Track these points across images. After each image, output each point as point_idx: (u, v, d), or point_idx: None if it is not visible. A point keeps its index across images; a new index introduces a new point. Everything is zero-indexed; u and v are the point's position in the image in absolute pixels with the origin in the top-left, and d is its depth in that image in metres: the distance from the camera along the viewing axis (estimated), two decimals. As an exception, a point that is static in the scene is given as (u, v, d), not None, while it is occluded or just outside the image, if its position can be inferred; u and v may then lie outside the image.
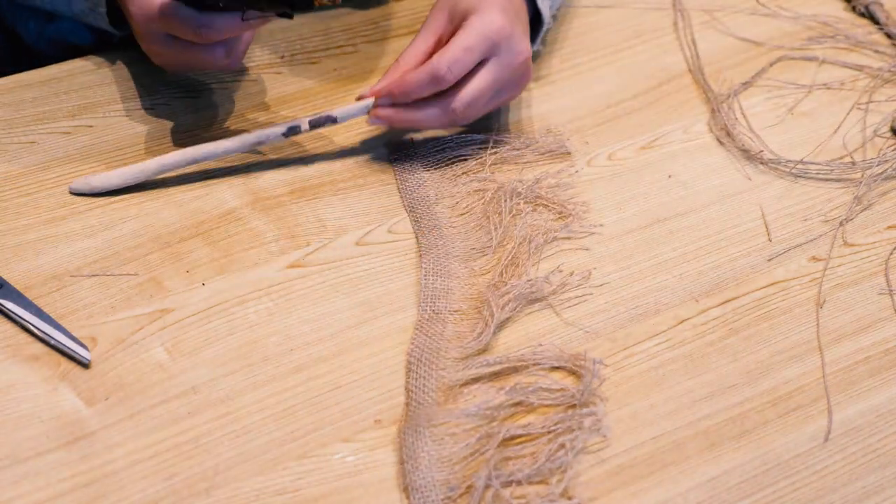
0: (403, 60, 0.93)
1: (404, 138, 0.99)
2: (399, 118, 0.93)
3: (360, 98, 0.94)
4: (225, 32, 0.88)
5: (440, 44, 0.94)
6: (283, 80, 1.03)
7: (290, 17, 0.85)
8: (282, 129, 0.93)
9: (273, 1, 0.84)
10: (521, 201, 0.94)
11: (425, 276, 0.88)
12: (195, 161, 0.92)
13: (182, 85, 1.01)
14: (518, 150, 0.99)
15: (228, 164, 0.95)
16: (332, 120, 0.94)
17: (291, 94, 1.02)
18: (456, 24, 0.93)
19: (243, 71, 1.03)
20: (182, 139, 0.97)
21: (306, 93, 1.02)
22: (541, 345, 0.85)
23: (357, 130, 1.00)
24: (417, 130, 0.99)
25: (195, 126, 0.98)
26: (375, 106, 0.93)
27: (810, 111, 1.07)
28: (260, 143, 0.93)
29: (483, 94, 0.92)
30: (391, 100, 0.92)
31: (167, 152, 0.96)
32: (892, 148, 1.03)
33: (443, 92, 0.92)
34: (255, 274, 0.88)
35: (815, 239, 0.95)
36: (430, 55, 0.93)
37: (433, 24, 0.95)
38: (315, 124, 0.94)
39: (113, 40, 1.03)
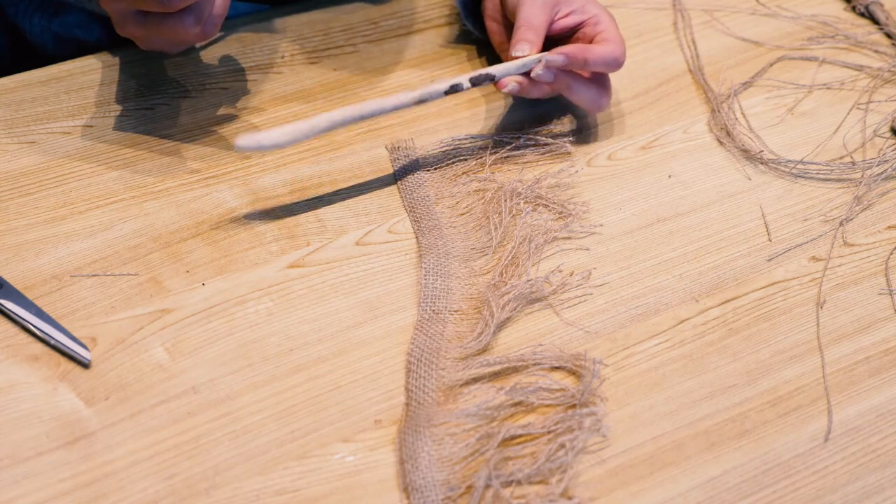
0: (537, 26, 0.97)
1: (404, 138, 0.99)
2: (557, 86, 0.97)
3: (512, 57, 0.96)
4: None
5: (554, 18, 0.99)
6: (283, 80, 1.03)
7: None
8: (444, 86, 0.94)
9: None
10: (521, 201, 0.94)
11: (425, 276, 0.88)
12: (362, 117, 0.92)
13: (182, 85, 1.01)
14: (518, 150, 0.99)
15: (228, 164, 0.95)
16: (491, 78, 0.95)
17: (291, 94, 1.02)
18: (571, 15, 0.99)
19: (243, 71, 1.03)
20: (182, 139, 0.97)
21: (306, 93, 1.02)
22: (541, 345, 0.85)
23: (357, 130, 1.00)
24: (542, 99, 1.01)
25: (195, 126, 0.98)
26: (545, 64, 0.95)
27: (810, 111, 1.07)
28: (423, 100, 0.93)
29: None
30: (567, 62, 0.96)
31: (168, 152, 0.96)
32: (892, 148, 1.03)
33: (598, 81, 0.99)
34: (255, 274, 0.88)
35: (815, 239, 0.95)
36: (548, 25, 0.98)
37: (548, 1, 0.98)
38: (475, 82, 0.95)
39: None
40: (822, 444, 0.82)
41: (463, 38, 1.10)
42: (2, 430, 0.77)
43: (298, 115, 1.00)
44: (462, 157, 0.98)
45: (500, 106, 1.04)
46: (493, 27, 1.04)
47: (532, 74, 0.96)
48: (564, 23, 0.99)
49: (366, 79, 1.04)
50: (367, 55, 1.07)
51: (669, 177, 0.99)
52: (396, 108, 0.93)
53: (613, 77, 1.08)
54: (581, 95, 0.99)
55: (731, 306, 0.89)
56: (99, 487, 0.75)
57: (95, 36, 1.07)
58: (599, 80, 0.99)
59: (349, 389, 0.82)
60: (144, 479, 0.75)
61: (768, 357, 0.86)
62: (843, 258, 0.94)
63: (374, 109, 0.92)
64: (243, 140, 0.88)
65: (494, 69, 0.95)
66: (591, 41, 0.98)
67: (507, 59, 0.98)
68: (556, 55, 0.96)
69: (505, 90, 0.96)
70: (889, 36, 1.15)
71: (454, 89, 0.94)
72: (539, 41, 0.96)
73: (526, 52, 0.96)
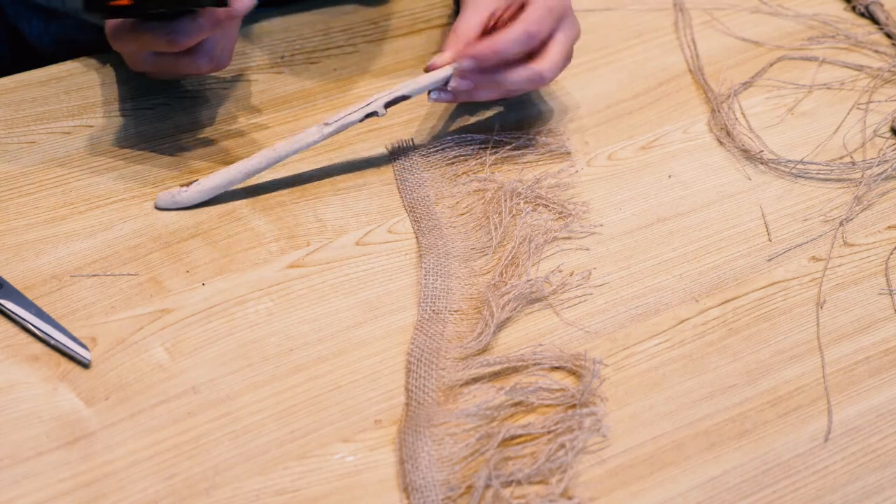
0: (462, 32, 0.94)
1: (404, 138, 0.99)
2: (485, 84, 0.94)
3: (428, 69, 0.94)
4: (194, 35, 0.88)
5: (493, 18, 0.95)
6: (283, 80, 1.03)
7: (224, 4, 0.86)
8: (359, 115, 0.93)
9: None
10: (521, 201, 0.94)
11: (425, 276, 0.88)
12: (278, 161, 0.92)
13: (182, 85, 1.01)
14: (518, 150, 0.99)
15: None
16: (406, 97, 0.94)
17: (291, 94, 1.02)
18: (514, 6, 0.95)
19: (243, 71, 1.03)
20: (182, 139, 0.97)
21: (306, 93, 1.02)
22: (541, 345, 0.85)
23: (357, 130, 1.00)
24: (477, 102, 1.00)
25: (195, 126, 0.98)
26: (456, 73, 0.93)
27: (810, 111, 1.07)
28: (338, 132, 0.93)
29: (564, 57, 0.96)
30: (477, 63, 0.93)
31: (168, 152, 0.96)
32: (892, 148, 1.03)
33: (528, 57, 0.94)
34: (255, 274, 0.88)
35: (815, 239, 0.95)
36: (485, 29, 0.95)
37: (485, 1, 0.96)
38: (390, 105, 0.94)
39: None
40: (822, 444, 0.82)
41: None
42: (2, 430, 0.77)
43: (298, 115, 1.00)
44: (462, 157, 0.98)
45: (500, 106, 1.04)
46: None
47: (449, 87, 0.93)
48: (508, 15, 0.96)
49: (366, 79, 1.04)
50: (367, 55, 1.07)
51: (669, 177, 0.99)
52: (311, 146, 0.92)
53: (613, 77, 1.08)
54: (515, 83, 0.95)
55: (731, 306, 0.89)
56: (99, 487, 0.75)
57: (94, 37, 1.07)
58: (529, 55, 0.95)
59: (349, 389, 0.82)
60: (144, 479, 0.75)
61: (768, 357, 0.86)
62: (843, 258, 0.94)
63: (289, 151, 0.92)
64: (161, 199, 0.91)
65: (408, 88, 0.93)
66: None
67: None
68: (465, 59, 0.92)
69: (431, 100, 0.94)
70: (889, 36, 1.15)
71: (368, 117, 0.93)
72: (461, 48, 0.93)
73: (438, 63, 0.94)
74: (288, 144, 0.92)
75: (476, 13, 0.95)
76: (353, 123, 0.93)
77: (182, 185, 0.91)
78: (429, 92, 0.94)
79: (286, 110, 1.01)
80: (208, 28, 0.88)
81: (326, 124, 0.92)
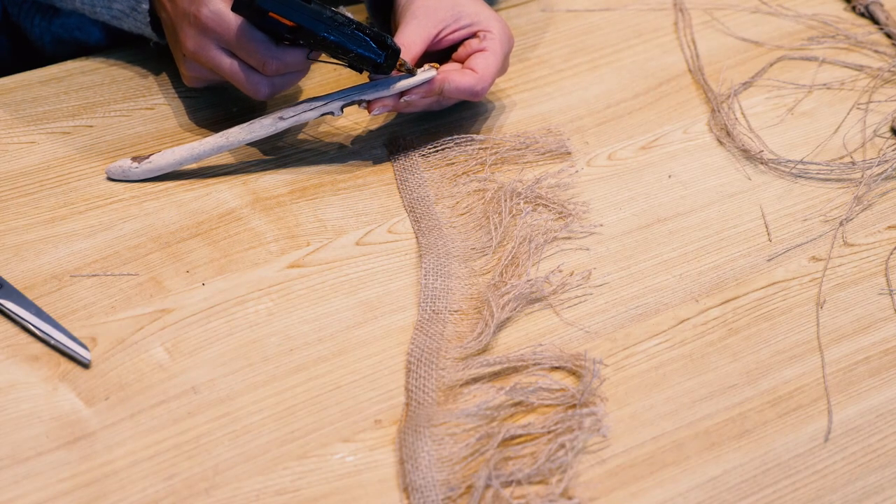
0: (406, 45, 0.94)
1: (404, 138, 0.99)
2: (422, 104, 0.95)
3: (372, 79, 0.94)
4: (288, 68, 0.90)
5: (438, 37, 0.96)
6: (283, 80, 1.03)
7: (358, 70, 0.91)
8: (315, 113, 0.93)
9: (354, 57, 0.89)
10: (521, 201, 0.94)
11: (425, 276, 0.88)
12: (228, 148, 0.93)
13: (182, 85, 1.01)
14: (518, 150, 0.99)
15: (228, 164, 0.96)
16: (364, 102, 0.93)
17: (291, 94, 1.02)
18: (463, 29, 0.96)
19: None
20: (182, 139, 0.97)
21: (306, 93, 1.02)
22: (541, 345, 0.85)
23: (357, 130, 1.00)
24: (476, 104, 1.01)
25: (195, 126, 0.98)
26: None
27: (810, 111, 1.07)
28: (292, 126, 0.94)
29: (498, 72, 0.98)
30: (422, 95, 0.94)
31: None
32: (892, 148, 1.03)
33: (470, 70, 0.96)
34: (255, 274, 0.88)
35: (815, 239, 0.95)
36: (428, 46, 0.95)
37: (437, 15, 0.96)
38: (346, 106, 0.93)
39: (136, 41, 1.03)
40: (822, 444, 0.82)
41: None
42: (2, 430, 0.77)
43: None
44: (462, 157, 0.98)
45: (500, 106, 1.04)
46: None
47: (402, 101, 0.93)
48: (455, 36, 0.97)
49: (365, 79, 1.04)
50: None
51: (669, 177, 0.99)
52: (263, 137, 0.93)
53: (613, 77, 1.08)
54: (455, 92, 0.96)
55: (731, 306, 0.89)
56: (99, 487, 0.75)
57: (95, 38, 1.07)
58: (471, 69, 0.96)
59: (349, 389, 0.82)
60: (144, 479, 0.75)
61: (768, 357, 0.86)
62: (843, 258, 0.94)
63: (241, 139, 0.92)
64: (111, 169, 0.93)
65: (365, 94, 0.93)
66: (468, 58, 0.96)
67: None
68: (413, 93, 0.93)
69: (373, 114, 0.94)
70: (889, 36, 1.15)
71: (324, 115, 0.93)
72: (411, 62, 0.94)
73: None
74: (241, 133, 0.92)
75: (421, 28, 0.95)
76: (309, 120, 0.93)
77: (133, 159, 0.92)
78: (368, 107, 0.93)
79: (286, 110, 1.01)
80: (304, 70, 0.92)
81: (282, 119, 0.92)
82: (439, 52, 0.98)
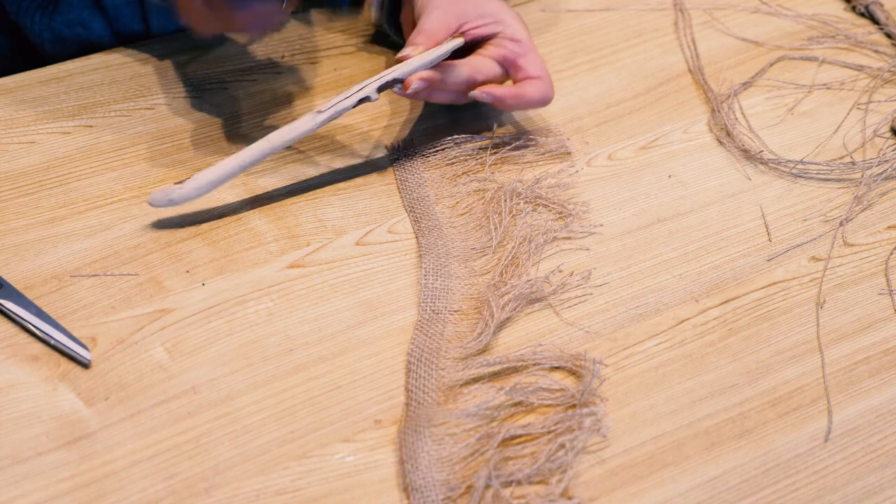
0: (430, 31, 0.94)
1: (404, 138, 0.99)
2: (454, 83, 0.95)
3: (399, 60, 0.93)
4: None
5: (461, 27, 0.96)
6: (283, 80, 1.03)
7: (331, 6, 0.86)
8: (353, 101, 0.91)
9: None
10: (521, 201, 0.94)
11: (425, 276, 0.88)
12: (273, 152, 0.90)
13: (182, 85, 1.01)
14: (518, 150, 0.99)
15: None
16: (398, 81, 0.92)
17: (291, 94, 1.02)
18: (485, 25, 0.97)
19: (243, 71, 1.03)
20: (182, 139, 0.97)
21: (306, 93, 1.02)
22: (541, 345, 0.85)
23: (357, 130, 1.00)
24: (474, 104, 1.00)
25: (195, 126, 0.98)
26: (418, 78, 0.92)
27: (810, 111, 1.07)
28: (332, 119, 0.91)
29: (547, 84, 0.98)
30: (493, 99, 0.95)
31: (168, 152, 0.96)
32: (892, 148, 1.03)
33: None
34: (255, 274, 0.88)
35: (815, 239, 0.95)
36: (450, 34, 0.95)
37: (459, 8, 0.96)
38: (382, 89, 0.92)
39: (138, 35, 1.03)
40: (822, 444, 0.82)
41: None
42: (2, 430, 0.77)
43: (298, 115, 1.00)
44: (462, 157, 0.98)
45: (500, 106, 1.04)
46: (409, 31, 1.01)
47: (437, 75, 0.92)
48: (477, 32, 0.97)
49: (365, 78, 1.04)
50: (367, 55, 1.07)
51: (669, 177, 0.99)
52: (305, 134, 0.91)
53: (613, 77, 1.08)
54: (531, 104, 0.97)
55: (731, 306, 0.89)
56: (99, 487, 0.75)
57: (97, 34, 1.07)
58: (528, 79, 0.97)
59: (349, 389, 0.82)
60: (144, 479, 0.75)
61: (768, 357, 0.86)
62: (843, 258, 0.94)
63: (284, 140, 0.90)
64: (154, 196, 0.88)
65: (399, 71, 0.92)
66: (512, 65, 0.96)
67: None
68: (487, 94, 0.94)
69: (410, 91, 0.92)
70: (889, 36, 1.15)
71: (361, 102, 0.92)
72: (431, 45, 0.94)
73: (411, 54, 0.93)
74: (282, 134, 0.90)
75: (444, 18, 0.96)
76: (346, 109, 0.92)
77: (177, 183, 0.89)
78: (404, 84, 0.92)
79: (286, 110, 1.01)
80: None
81: (319, 112, 0.91)
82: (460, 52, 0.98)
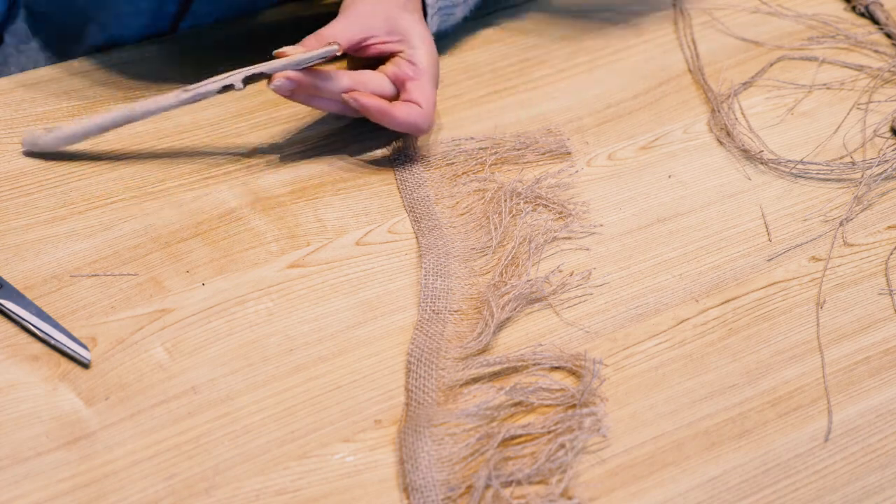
0: (326, 39, 0.94)
1: (404, 138, 0.99)
2: (327, 90, 0.94)
3: (276, 56, 0.92)
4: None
5: (367, 41, 0.95)
6: (283, 80, 1.03)
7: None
8: (217, 86, 0.92)
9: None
10: (521, 201, 0.94)
11: (425, 276, 0.88)
12: (132, 120, 0.92)
13: (182, 85, 1.01)
14: (518, 150, 0.99)
15: (228, 164, 0.96)
16: (265, 76, 0.92)
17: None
18: (392, 43, 0.96)
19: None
20: (182, 139, 0.97)
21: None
22: (541, 345, 0.85)
23: (358, 130, 1.00)
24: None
25: (195, 126, 0.98)
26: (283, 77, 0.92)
27: (810, 111, 1.07)
28: (195, 100, 0.93)
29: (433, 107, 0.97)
30: (371, 110, 0.93)
31: (168, 152, 0.96)
32: (892, 148, 1.03)
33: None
34: (255, 274, 0.88)
35: (815, 239, 0.95)
36: (350, 45, 0.95)
37: (368, 22, 0.96)
38: (248, 80, 0.92)
39: None
40: (822, 444, 0.82)
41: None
42: (2, 430, 0.77)
43: (297, 115, 1.00)
44: (462, 157, 0.98)
45: (499, 106, 1.04)
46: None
47: (270, 86, 0.92)
48: (383, 48, 0.96)
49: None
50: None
51: (669, 177, 0.99)
52: (167, 109, 0.92)
53: (613, 77, 1.08)
54: (401, 126, 0.95)
55: (731, 306, 0.89)
56: (99, 487, 0.75)
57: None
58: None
59: (349, 389, 0.82)
60: (144, 479, 0.75)
61: (768, 357, 0.86)
62: (843, 258, 0.94)
63: (146, 110, 0.92)
64: (25, 139, 0.94)
65: (265, 66, 0.92)
66: (401, 86, 0.95)
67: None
68: (353, 99, 0.93)
69: (272, 87, 0.92)
70: (889, 36, 1.15)
71: (226, 89, 0.92)
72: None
73: (288, 51, 0.92)
74: (145, 104, 0.92)
75: (347, 29, 0.95)
76: (210, 93, 0.92)
77: (45, 129, 0.93)
78: (269, 80, 0.92)
79: (286, 110, 1.01)
80: None
81: (185, 90, 0.92)
82: (365, 60, 0.98)
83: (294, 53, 0.92)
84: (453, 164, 0.98)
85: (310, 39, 0.94)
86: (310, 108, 1.00)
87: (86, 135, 0.93)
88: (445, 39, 1.09)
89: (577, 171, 0.99)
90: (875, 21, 1.16)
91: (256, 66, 0.92)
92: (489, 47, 1.09)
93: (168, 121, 0.98)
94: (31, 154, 0.94)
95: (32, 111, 0.98)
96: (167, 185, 0.93)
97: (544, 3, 1.15)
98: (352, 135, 0.99)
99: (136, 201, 0.92)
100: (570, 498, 0.76)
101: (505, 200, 0.94)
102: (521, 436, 0.79)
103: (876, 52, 1.13)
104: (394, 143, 0.99)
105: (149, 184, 0.93)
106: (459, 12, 1.05)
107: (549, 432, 0.79)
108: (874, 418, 0.83)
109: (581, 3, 1.15)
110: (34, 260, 0.87)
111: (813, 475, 0.80)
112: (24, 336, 0.82)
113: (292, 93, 0.92)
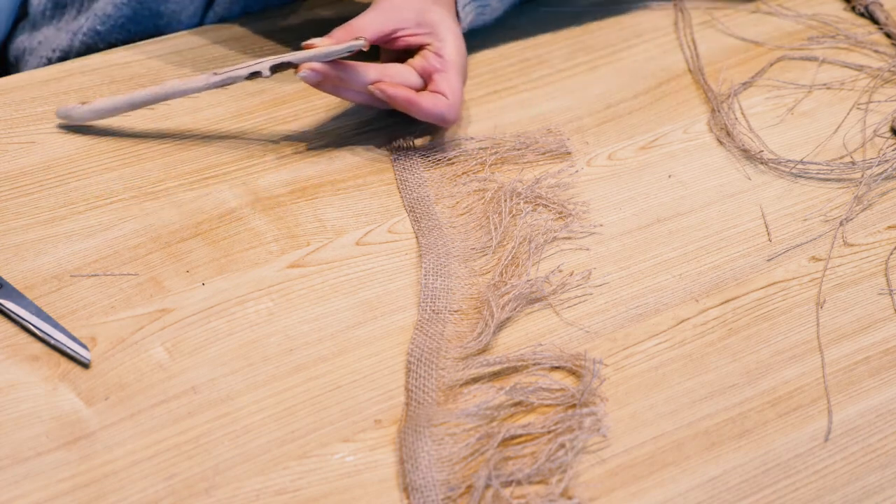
0: (356, 31, 0.94)
1: (405, 138, 0.99)
2: (354, 81, 0.95)
3: (304, 47, 0.93)
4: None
5: (396, 34, 0.96)
6: (282, 79, 1.03)
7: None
8: (245, 72, 0.94)
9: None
10: (521, 201, 0.94)
11: (425, 275, 0.88)
12: (165, 98, 0.95)
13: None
14: (518, 150, 0.99)
15: (228, 164, 0.96)
16: (292, 65, 0.93)
17: (291, 94, 1.02)
18: (421, 35, 0.96)
19: (243, 71, 1.03)
20: (182, 139, 0.97)
21: (306, 92, 1.02)
22: (541, 345, 0.85)
23: (358, 130, 1.00)
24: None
25: (195, 126, 0.99)
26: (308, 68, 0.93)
27: (810, 111, 1.07)
28: (224, 84, 0.94)
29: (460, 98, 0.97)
30: (396, 99, 0.94)
31: (168, 152, 0.96)
32: (892, 148, 1.03)
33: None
34: (255, 274, 0.88)
35: (815, 239, 0.95)
36: (380, 37, 0.96)
37: (399, 14, 0.96)
38: (275, 69, 0.94)
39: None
40: (822, 444, 0.82)
41: None
42: (2, 430, 0.77)
43: (298, 115, 1.00)
44: (462, 157, 0.98)
45: (499, 106, 1.04)
46: None
47: (299, 75, 0.92)
48: (412, 41, 0.97)
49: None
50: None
51: (669, 177, 0.99)
52: (198, 91, 0.94)
53: (613, 77, 1.08)
54: (426, 117, 0.95)
55: (731, 306, 0.89)
56: (99, 487, 0.75)
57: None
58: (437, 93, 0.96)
59: (349, 389, 0.82)
60: (144, 479, 0.75)
61: (768, 357, 0.86)
62: (843, 258, 0.94)
63: (177, 90, 0.94)
64: (59, 111, 0.96)
65: (293, 56, 0.93)
66: (428, 78, 0.96)
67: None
68: (379, 90, 0.93)
69: (299, 76, 0.93)
70: (889, 36, 1.15)
71: (254, 76, 0.94)
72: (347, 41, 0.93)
73: (317, 43, 0.93)
74: (175, 85, 0.94)
75: (378, 21, 0.95)
76: (238, 79, 0.94)
77: (81, 103, 0.96)
78: (295, 69, 0.93)
79: (286, 110, 1.01)
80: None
81: (215, 73, 0.94)
82: (395, 52, 0.98)
83: (322, 45, 0.93)
84: (453, 164, 0.98)
85: (339, 30, 0.94)
86: (309, 108, 1.01)
87: (117, 110, 0.95)
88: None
89: (577, 171, 0.99)
90: (875, 21, 1.16)
91: (284, 55, 0.93)
92: (489, 47, 1.09)
93: (168, 121, 0.98)
94: (65, 127, 0.96)
95: (32, 111, 0.98)
96: (167, 185, 0.93)
97: (544, 2, 1.15)
98: (352, 135, 0.99)
99: (136, 201, 0.92)
100: (570, 498, 0.76)
101: (505, 200, 0.94)
102: (521, 436, 0.79)
103: (876, 52, 1.13)
104: (394, 143, 0.99)
105: (149, 184, 0.93)
106: (496, 4, 1.05)
107: (549, 432, 0.79)
108: (874, 418, 0.83)
109: (581, 3, 1.15)
110: (34, 260, 0.87)
111: (813, 475, 0.80)
112: (24, 336, 0.82)
113: (319, 84, 0.94)
